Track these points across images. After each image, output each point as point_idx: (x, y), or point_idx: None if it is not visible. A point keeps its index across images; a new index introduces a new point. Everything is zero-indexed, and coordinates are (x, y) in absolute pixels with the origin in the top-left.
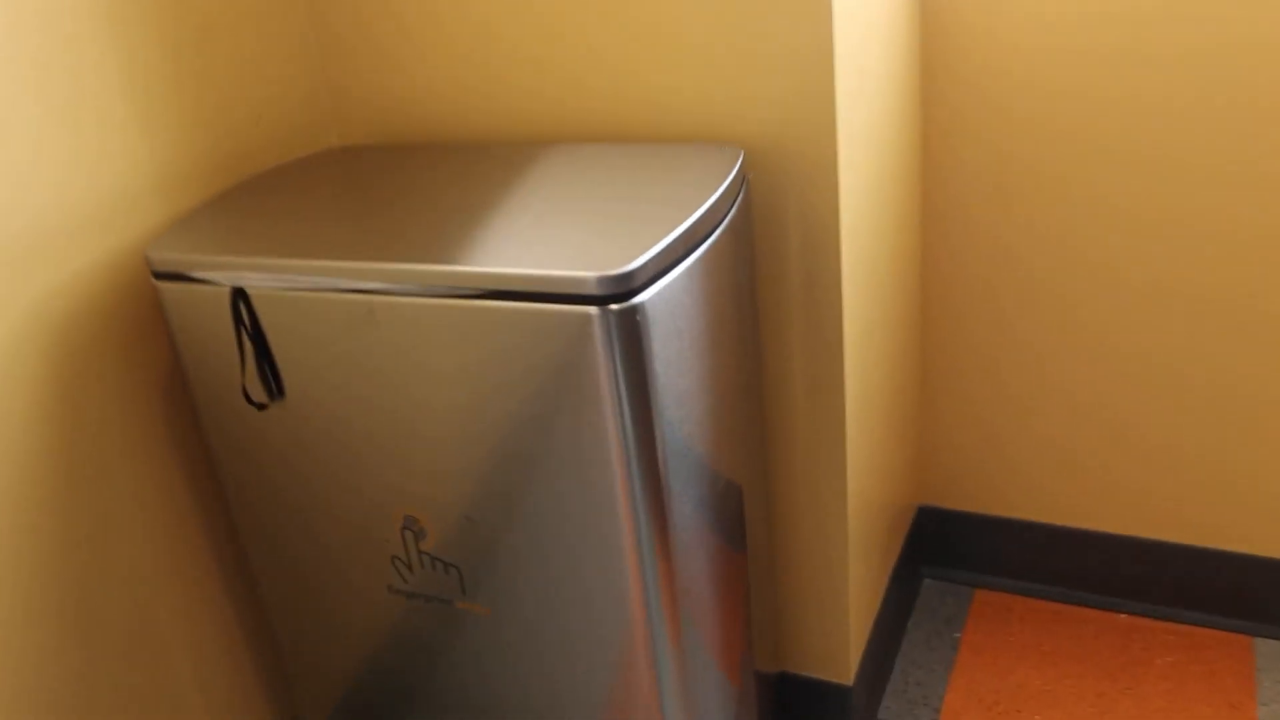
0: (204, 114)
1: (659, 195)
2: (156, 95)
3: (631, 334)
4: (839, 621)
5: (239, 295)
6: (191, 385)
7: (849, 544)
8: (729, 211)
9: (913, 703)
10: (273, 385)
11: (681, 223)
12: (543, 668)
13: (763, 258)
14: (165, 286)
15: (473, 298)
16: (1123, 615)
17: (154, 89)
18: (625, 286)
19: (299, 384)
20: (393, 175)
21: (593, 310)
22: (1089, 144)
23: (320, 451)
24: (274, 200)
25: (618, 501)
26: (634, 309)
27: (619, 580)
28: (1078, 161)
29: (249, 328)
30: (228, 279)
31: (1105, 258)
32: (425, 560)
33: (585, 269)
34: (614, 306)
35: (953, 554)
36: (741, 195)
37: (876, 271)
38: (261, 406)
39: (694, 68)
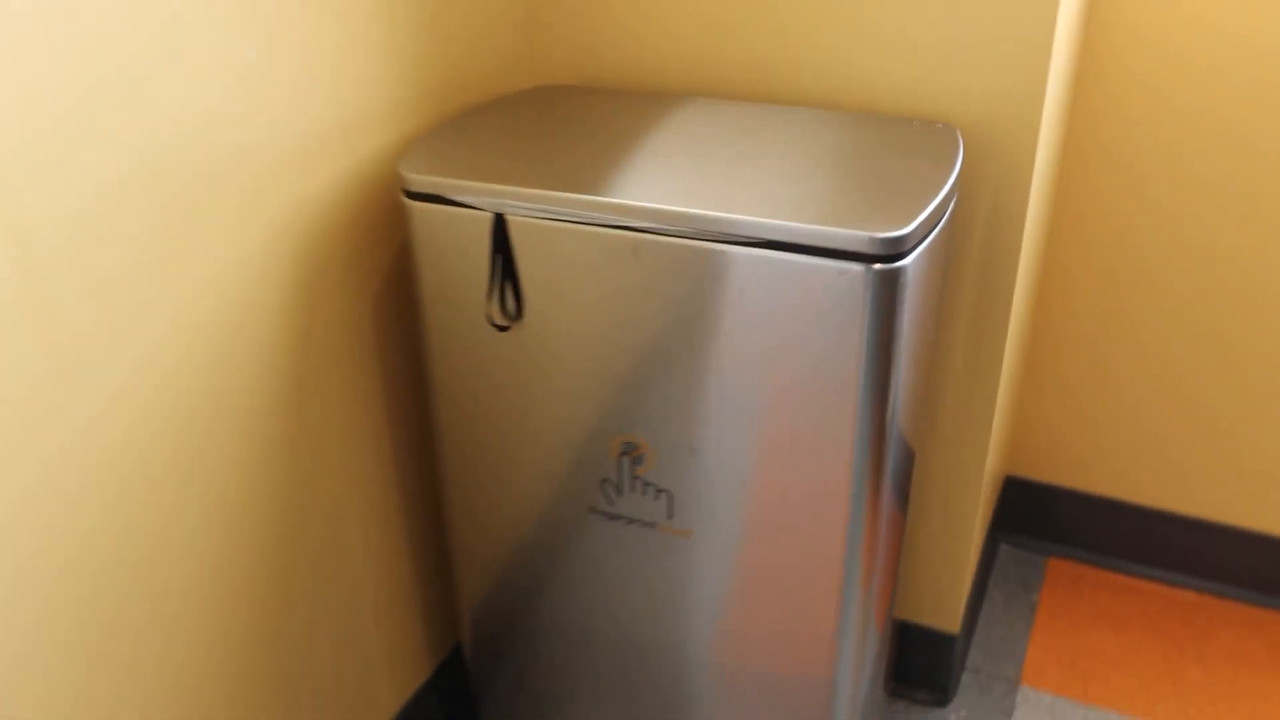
0: (435, 41)
1: (898, 167)
2: (399, 19)
3: (890, 296)
4: (958, 576)
5: (500, 221)
6: (425, 303)
7: (979, 509)
8: (956, 189)
9: (997, 656)
10: (513, 308)
11: (936, 194)
12: (731, 591)
13: (953, 236)
14: (417, 206)
15: (745, 245)
16: (1189, 592)
17: (397, 13)
18: (894, 249)
19: (539, 309)
20: (612, 118)
21: (859, 268)
22: (1239, 140)
23: (548, 375)
24: (508, 131)
25: (846, 449)
26: (897, 272)
27: (829, 525)
28: (1224, 157)
29: (503, 253)
30: (490, 205)
31: (1234, 255)
32: (638, 485)
33: (857, 228)
34: (877, 266)
35: (1028, 523)
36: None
37: (1034, 257)
38: (503, 329)
39: (911, 47)
